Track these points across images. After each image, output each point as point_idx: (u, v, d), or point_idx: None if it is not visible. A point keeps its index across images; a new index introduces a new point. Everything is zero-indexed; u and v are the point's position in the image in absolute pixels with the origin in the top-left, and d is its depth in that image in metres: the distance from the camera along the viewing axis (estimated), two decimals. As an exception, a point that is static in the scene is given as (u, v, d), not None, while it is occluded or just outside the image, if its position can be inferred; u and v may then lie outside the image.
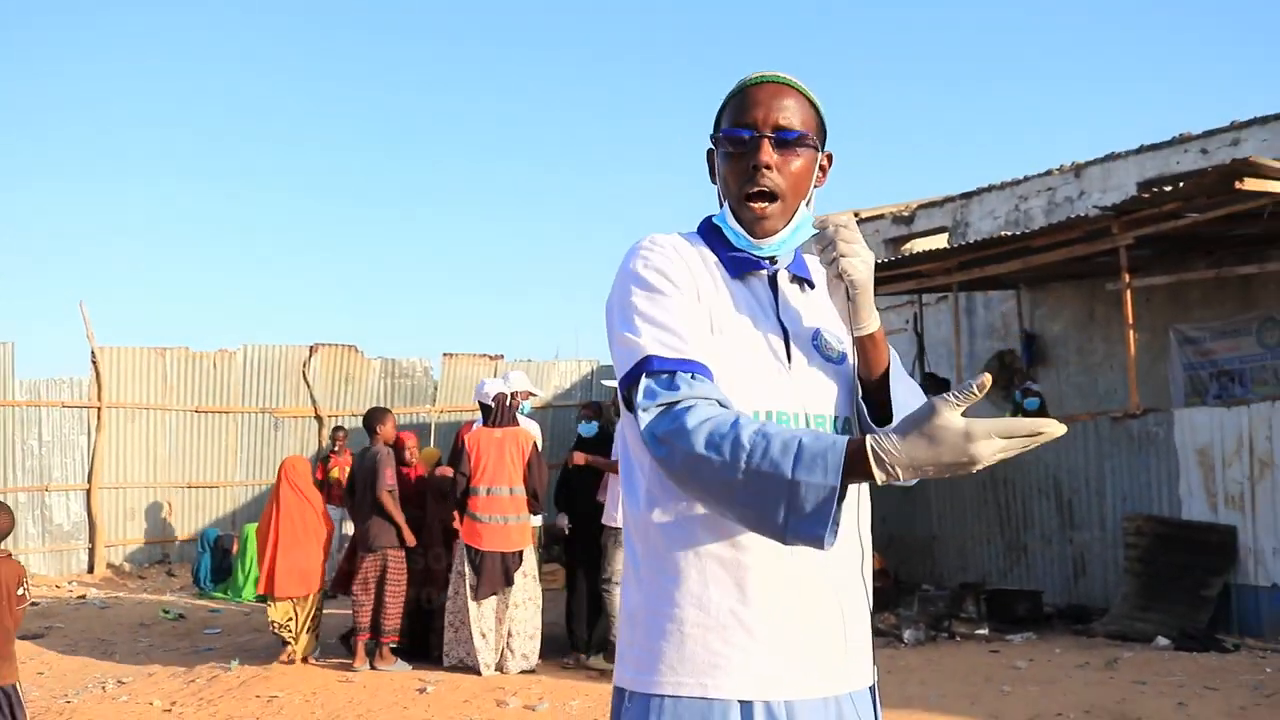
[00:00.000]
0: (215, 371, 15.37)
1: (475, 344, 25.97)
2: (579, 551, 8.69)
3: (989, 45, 58.81)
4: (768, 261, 2.02)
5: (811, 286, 2.11)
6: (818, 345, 2.02)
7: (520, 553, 8.27)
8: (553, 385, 16.57)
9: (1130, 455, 10.00)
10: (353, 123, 51.14)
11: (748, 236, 1.98)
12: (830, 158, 2.10)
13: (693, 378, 1.80)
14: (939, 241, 17.08)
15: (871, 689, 2.05)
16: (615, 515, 7.92)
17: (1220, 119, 14.50)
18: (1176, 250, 12.66)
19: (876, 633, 7.81)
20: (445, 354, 16.35)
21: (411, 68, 53.62)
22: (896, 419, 1.85)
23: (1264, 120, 13.61)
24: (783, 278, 2.05)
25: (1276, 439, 8.89)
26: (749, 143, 1.96)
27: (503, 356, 16.63)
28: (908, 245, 17.67)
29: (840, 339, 2.06)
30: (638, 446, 1.92)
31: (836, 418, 2.00)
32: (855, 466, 1.64)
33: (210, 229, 46.63)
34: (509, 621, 8.19)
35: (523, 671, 8.16)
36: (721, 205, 2.05)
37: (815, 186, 2.05)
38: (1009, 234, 12.03)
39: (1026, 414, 11.45)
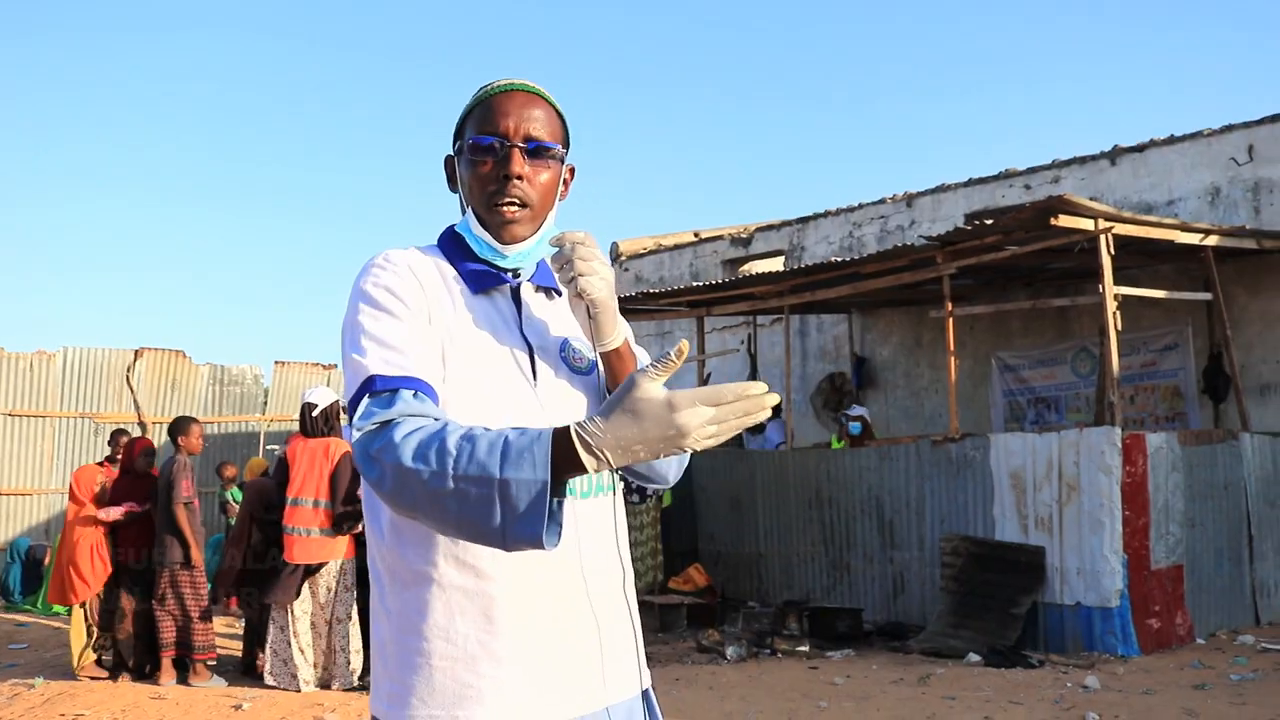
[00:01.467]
0: (32, 374, 14.70)
1: (308, 353, 25.53)
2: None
3: (831, 75, 60.28)
4: (510, 274, 2.00)
5: (559, 294, 2.08)
6: (565, 357, 2.00)
7: (322, 565, 8.08)
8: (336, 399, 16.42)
9: (949, 478, 10.28)
10: (185, 124, 49.85)
11: (493, 244, 1.94)
12: (573, 171, 2.08)
13: (414, 395, 1.74)
14: (775, 264, 17.42)
15: (645, 694, 2.01)
16: None
17: (1043, 157, 15.14)
18: (999, 281, 13.19)
19: (700, 649, 7.98)
20: (277, 361, 16.06)
21: (249, 70, 52.54)
22: None
23: (1082, 160, 14.29)
24: (526, 290, 2.03)
25: (1083, 464, 9.26)
26: (499, 151, 1.93)
27: (335, 366, 16.40)
28: (745, 267, 17.98)
29: (590, 348, 2.03)
30: None
31: None
32: (564, 456, 1.58)
33: (30, 229, 44.88)
34: (334, 637, 8.07)
35: (348, 689, 7.97)
36: (464, 213, 2.02)
37: (559, 199, 2.04)
38: (842, 259, 12.32)
39: (851, 437, 11.75)
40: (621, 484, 2.04)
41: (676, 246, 18.78)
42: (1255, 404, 12.26)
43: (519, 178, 1.92)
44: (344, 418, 8.78)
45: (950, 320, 10.76)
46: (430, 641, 1.80)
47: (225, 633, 9.58)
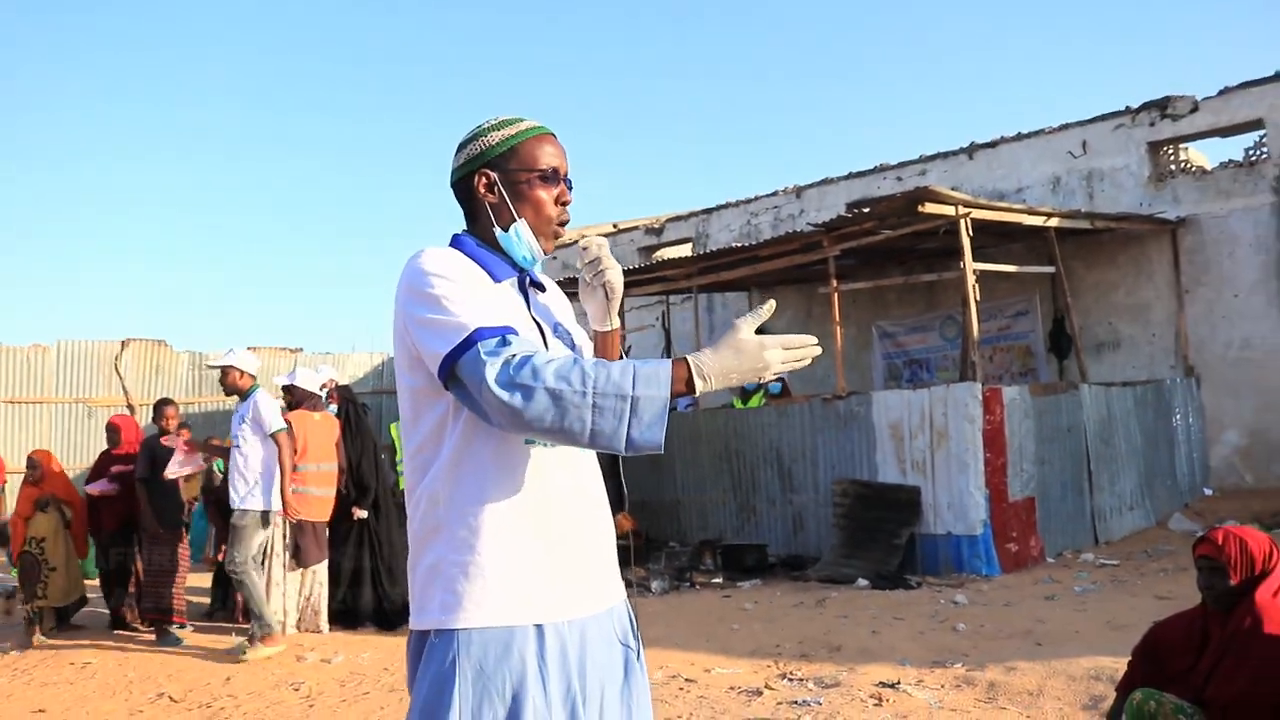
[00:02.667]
0: (29, 365, 14.44)
1: (277, 339, 25.23)
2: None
3: (732, 78, 60.42)
4: (519, 272, 2.17)
5: (543, 289, 2.26)
6: (559, 335, 2.18)
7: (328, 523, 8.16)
8: (349, 375, 16.27)
9: (838, 430, 10.42)
10: (144, 122, 48.68)
11: (537, 250, 2.15)
12: None
13: (519, 338, 1.91)
14: (684, 250, 17.56)
15: (625, 601, 2.21)
16: (243, 499, 7.36)
17: (912, 152, 15.43)
18: (876, 260, 13.36)
19: (628, 584, 8.06)
20: (249, 347, 15.84)
21: (227, 72, 51.41)
22: None
23: (944, 155, 14.57)
24: (528, 284, 2.19)
25: (950, 415, 9.47)
26: (560, 184, 2.16)
27: (302, 349, 16.26)
28: (658, 253, 18.08)
29: (570, 331, 2.23)
30: (438, 424, 2.01)
31: None
32: (681, 379, 1.82)
33: (22, 227, 43.65)
34: (314, 586, 8.05)
35: (315, 631, 7.94)
36: (504, 225, 2.14)
37: None
38: (741, 245, 12.45)
39: (771, 395, 11.86)
40: None
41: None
42: (1092, 360, 12.67)
43: (568, 205, 2.18)
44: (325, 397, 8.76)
45: (836, 295, 10.90)
46: (483, 555, 1.95)
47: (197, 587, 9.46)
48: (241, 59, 54.90)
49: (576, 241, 2.24)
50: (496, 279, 2.10)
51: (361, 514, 8.37)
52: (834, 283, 10.91)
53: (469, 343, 1.88)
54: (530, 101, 60.22)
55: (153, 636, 7.84)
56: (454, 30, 59.99)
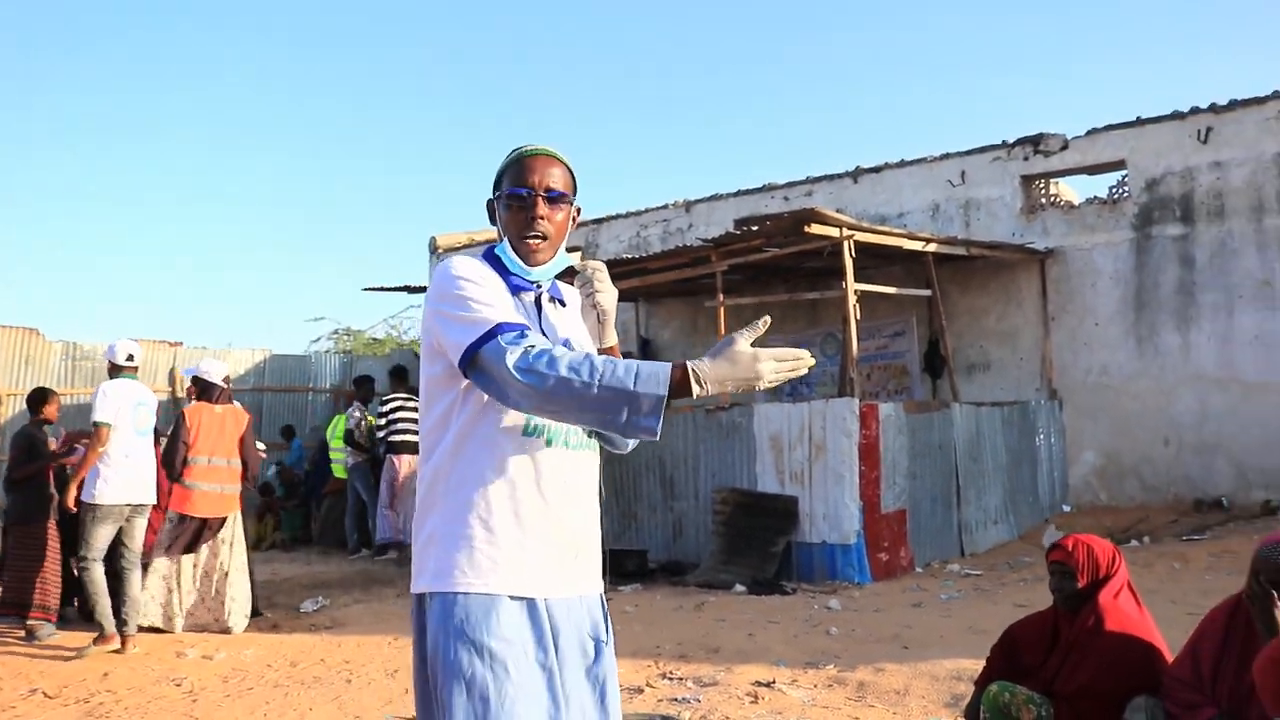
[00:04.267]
0: (-117, 348, 13.88)
1: (156, 332, 24.60)
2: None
3: (626, 93, 60.89)
4: (535, 285, 2.39)
5: (564, 305, 2.49)
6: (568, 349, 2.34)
7: (224, 519, 7.97)
8: (229, 371, 15.98)
9: (719, 440, 10.66)
10: (32, 104, 46.99)
11: (524, 265, 2.35)
12: (579, 210, 2.48)
13: (536, 334, 2.18)
14: (573, 259, 17.69)
15: (601, 595, 2.43)
16: (92, 492, 7.17)
17: (799, 173, 15.86)
18: (762, 277, 13.66)
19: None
20: (132, 339, 15.45)
21: (103, 53, 49.86)
22: None
23: (830, 178, 15.02)
24: (544, 299, 2.42)
25: (829, 429, 9.82)
26: (527, 199, 2.34)
27: (182, 343, 15.89)
28: (548, 261, 18.17)
29: (583, 346, 2.43)
30: (445, 410, 2.26)
31: None
32: (680, 382, 2.04)
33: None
34: (227, 585, 7.94)
35: (225, 632, 7.85)
36: (501, 241, 2.40)
37: (571, 231, 2.46)
38: (631, 256, 12.66)
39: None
40: (594, 439, 2.40)
41: (488, 241, 18.71)
42: (964, 380, 13.22)
43: (541, 217, 2.34)
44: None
45: (722, 309, 11.17)
46: (473, 529, 2.20)
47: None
48: (100, 45, 53.34)
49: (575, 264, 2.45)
50: (514, 291, 2.34)
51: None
52: (720, 297, 11.18)
53: (491, 334, 2.14)
54: (434, 98, 59.75)
55: (22, 632, 7.66)
56: (333, 35, 59.25)
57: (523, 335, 2.13)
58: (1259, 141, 11.77)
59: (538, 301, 2.41)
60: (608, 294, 2.41)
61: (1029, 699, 3.67)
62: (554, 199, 2.36)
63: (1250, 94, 11.86)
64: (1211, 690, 3.32)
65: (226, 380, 8.31)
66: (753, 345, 2.09)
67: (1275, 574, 3.13)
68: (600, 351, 2.42)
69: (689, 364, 2.05)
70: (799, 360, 2.10)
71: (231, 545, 8.10)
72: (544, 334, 2.34)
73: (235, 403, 8.42)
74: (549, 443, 2.26)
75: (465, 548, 2.20)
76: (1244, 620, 3.32)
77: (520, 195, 2.34)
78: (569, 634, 2.27)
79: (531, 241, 2.34)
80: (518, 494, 2.22)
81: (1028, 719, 3.65)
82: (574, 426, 2.26)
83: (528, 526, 2.22)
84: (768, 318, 2.17)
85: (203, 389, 8.09)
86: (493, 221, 2.46)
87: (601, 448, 2.45)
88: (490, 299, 2.21)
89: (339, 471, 13.12)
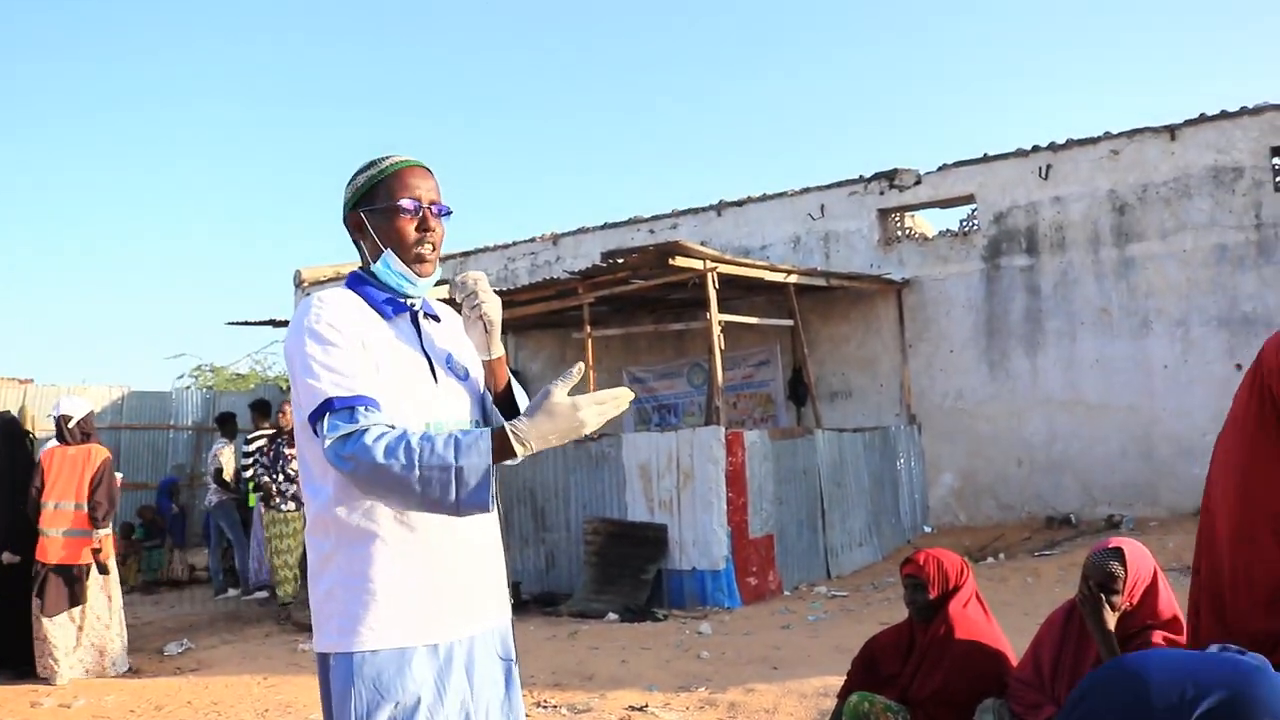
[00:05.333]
0: None
1: (3, 367, 23.57)
2: None
3: (485, 121, 60.88)
4: (409, 304, 2.35)
5: (438, 320, 2.44)
6: (451, 367, 2.36)
7: (88, 566, 7.66)
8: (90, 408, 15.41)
9: (590, 470, 10.75)
10: None
11: (413, 277, 2.30)
12: None
13: (365, 409, 2.08)
14: (440, 293, 17.62)
15: (508, 617, 2.41)
16: None
17: (665, 207, 16.14)
18: (629, 308, 13.81)
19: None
20: (-25, 376, 14.88)
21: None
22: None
23: (695, 211, 15.35)
24: (420, 317, 2.37)
25: (696, 457, 9.99)
26: (418, 212, 2.29)
27: (33, 380, 15.32)
28: (415, 295, 18.05)
29: (467, 360, 2.41)
30: (319, 464, 2.16)
31: (474, 421, 2.34)
32: (501, 447, 2.02)
33: None
34: (98, 632, 7.72)
35: (117, 675, 7.71)
36: (375, 258, 2.32)
37: None
38: (498, 289, 12.71)
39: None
40: None
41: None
42: (826, 407, 13.61)
43: (431, 230, 2.31)
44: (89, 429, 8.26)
45: (589, 340, 11.27)
46: (375, 582, 2.13)
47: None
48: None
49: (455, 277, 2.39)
50: (388, 316, 2.30)
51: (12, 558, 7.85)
52: (588, 329, 11.30)
53: (320, 411, 2.09)
54: (285, 128, 58.70)
55: None
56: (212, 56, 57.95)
57: (351, 415, 2.06)
58: (1093, 178, 12.50)
59: (414, 320, 2.36)
60: (492, 303, 2.30)
61: (886, 707, 3.87)
62: (441, 212, 2.34)
63: (1085, 134, 12.60)
64: (1052, 689, 3.56)
65: (89, 418, 8.03)
66: (569, 394, 2.07)
67: (1101, 578, 3.38)
68: (489, 364, 2.37)
69: (507, 426, 2.03)
70: (618, 399, 2.09)
71: (108, 594, 7.92)
72: (425, 353, 2.31)
73: (95, 441, 8.14)
74: None
75: (368, 602, 2.13)
76: (1078, 623, 3.57)
77: (411, 209, 2.29)
78: (485, 665, 2.26)
79: (424, 250, 2.30)
80: (415, 536, 2.16)
81: (886, 725, 3.84)
82: None
83: (432, 568, 2.16)
84: (581, 365, 2.16)
85: (56, 429, 7.85)
86: (356, 236, 2.37)
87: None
88: (334, 360, 2.13)
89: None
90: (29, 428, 8.64)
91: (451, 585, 2.20)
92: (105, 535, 7.79)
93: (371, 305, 2.30)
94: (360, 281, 2.35)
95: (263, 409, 12.31)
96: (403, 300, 2.35)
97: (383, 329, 2.27)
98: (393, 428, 2.07)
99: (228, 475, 12.09)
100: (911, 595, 4.04)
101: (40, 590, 7.56)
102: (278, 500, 10.54)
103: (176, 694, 6.99)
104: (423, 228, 2.30)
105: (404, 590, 2.14)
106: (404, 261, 2.30)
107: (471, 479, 1.98)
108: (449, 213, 2.36)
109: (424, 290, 2.36)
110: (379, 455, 1.99)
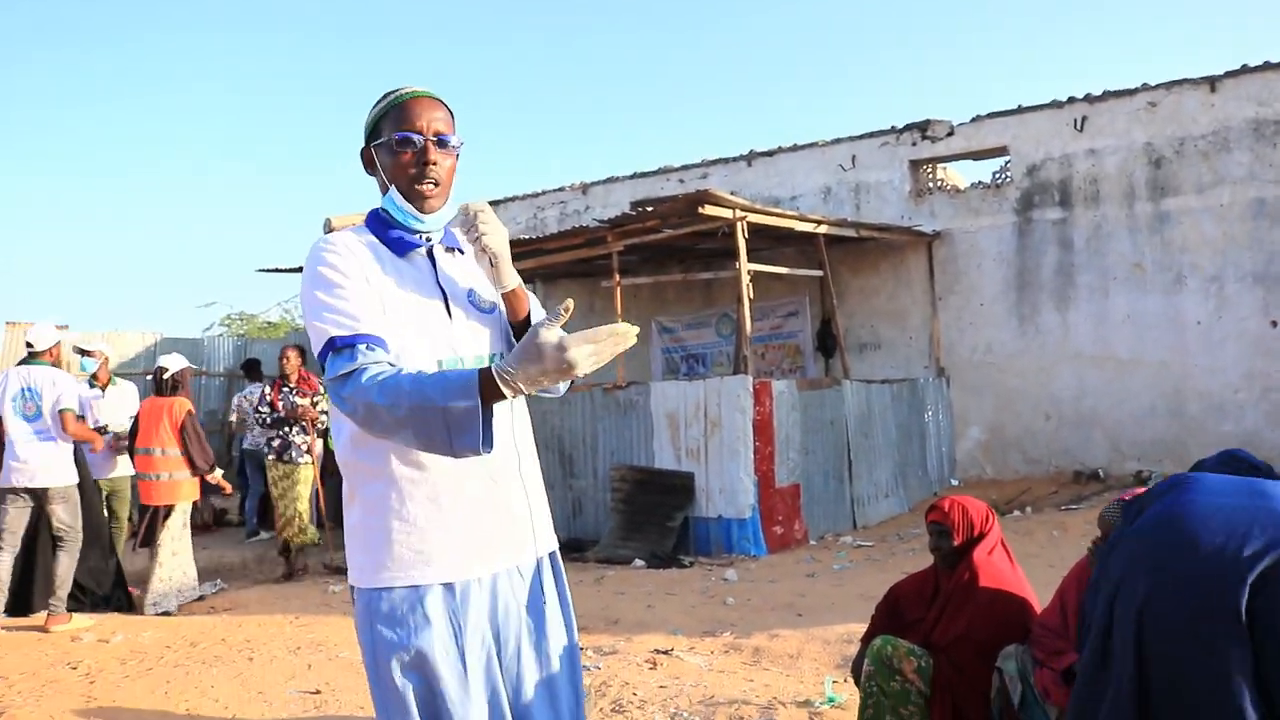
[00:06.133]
0: None
1: (45, 313, 23.85)
2: None
3: (518, 73, 60.51)
4: (424, 239, 2.31)
5: (461, 252, 2.40)
6: (473, 302, 2.32)
7: (171, 507, 8.11)
8: (120, 355, 15.58)
9: (617, 418, 10.82)
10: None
11: (415, 213, 2.26)
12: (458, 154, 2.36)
13: (368, 348, 2.08)
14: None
15: (551, 554, 2.40)
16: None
17: (694, 157, 16.06)
18: (657, 258, 13.83)
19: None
20: (8, 322, 14.98)
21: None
22: None
23: (725, 161, 15.26)
24: (438, 250, 2.33)
25: (724, 406, 10.03)
26: (418, 144, 2.24)
27: (68, 327, 15.44)
28: (445, 243, 18.08)
29: (489, 293, 2.37)
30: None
31: (494, 355, 2.29)
32: (489, 388, 1.94)
33: None
34: (165, 567, 8.08)
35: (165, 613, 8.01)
36: (385, 193, 2.30)
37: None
38: (528, 237, 12.71)
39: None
40: None
41: (383, 223, 18.60)
42: (855, 358, 13.61)
43: (433, 164, 2.25)
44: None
45: (618, 290, 11.30)
46: (389, 521, 2.17)
47: None
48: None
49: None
50: (400, 252, 2.28)
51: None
52: (616, 278, 11.31)
53: (325, 352, 2.11)
54: (327, 76, 58.58)
55: None
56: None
57: (351, 354, 2.08)
58: (1129, 131, 12.32)
59: (430, 256, 2.33)
60: (494, 234, 2.25)
61: (910, 651, 3.90)
62: (443, 144, 2.28)
63: (1121, 85, 12.41)
64: (1075, 637, 3.58)
65: (184, 373, 8.52)
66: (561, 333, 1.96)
67: (1108, 529, 3.40)
68: (506, 296, 2.33)
69: (493, 367, 1.96)
70: (616, 337, 1.94)
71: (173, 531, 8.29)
72: (441, 288, 2.28)
73: (185, 393, 8.53)
74: None
75: (385, 541, 2.16)
76: (1101, 571, 3.59)
77: (410, 140, 2.24)
78: (509, 607, 2.26)
79: (425, 188, 2.26)
80: (431, 477, 2.17)
81: (908, 669, 3.88)
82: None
83: (446, 508, 2.17)
84: (570, 302, 2.02)
85: (155, 380, 8.45)
86: (370, 172, 2.36)
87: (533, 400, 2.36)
88: (337, 301, 2.13)
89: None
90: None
91: (466, 525, 2.19)
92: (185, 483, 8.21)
93: (385, 243, 2.28)
94: (375, 219, 2.33)
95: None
96: (416, 236, 2.31)
97: (393, 266, 2.25)
98: (391, 366, 2.06)
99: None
100: (936, 541, 4.06)
101: (143, 528, 8.24)
102: (292, 453, 9.58)
103: (211, 632, 7.13)
104: (421, 160, 2.25)
105: (420, 529, 2.15)
106: (405, 197, 2.27)
107: (461, 422, 1.94)
108: (456, 145, 2.30)
109: (434, 226, 2.31)
110: (374, 395, 1.99)
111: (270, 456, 9.71)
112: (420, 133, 2.24)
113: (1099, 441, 12.41)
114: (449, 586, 2.16)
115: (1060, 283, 12.73)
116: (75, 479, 7.52)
